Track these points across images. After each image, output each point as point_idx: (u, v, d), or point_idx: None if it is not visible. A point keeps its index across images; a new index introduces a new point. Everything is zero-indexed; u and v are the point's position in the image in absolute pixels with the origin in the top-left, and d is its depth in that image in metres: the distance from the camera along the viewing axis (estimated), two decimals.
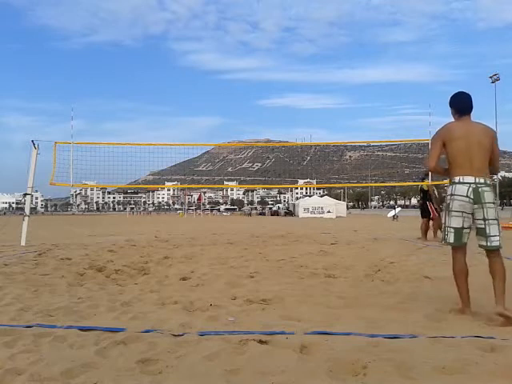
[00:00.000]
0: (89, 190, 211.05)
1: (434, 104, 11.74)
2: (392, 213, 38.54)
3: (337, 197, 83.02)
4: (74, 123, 10.84)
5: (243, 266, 6.20)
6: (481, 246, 3.27)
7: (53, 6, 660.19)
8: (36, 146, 9.84)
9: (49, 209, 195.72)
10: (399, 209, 44.15)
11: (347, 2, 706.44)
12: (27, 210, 10.00)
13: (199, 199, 76.48)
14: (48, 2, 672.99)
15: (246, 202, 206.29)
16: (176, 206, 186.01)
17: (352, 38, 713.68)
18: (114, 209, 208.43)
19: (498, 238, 3.19)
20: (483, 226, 3.20)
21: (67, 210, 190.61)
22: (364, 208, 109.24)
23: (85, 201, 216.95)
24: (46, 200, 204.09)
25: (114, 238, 12.96)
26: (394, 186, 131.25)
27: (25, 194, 10.06)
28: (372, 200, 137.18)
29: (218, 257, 7.33)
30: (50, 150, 10.15)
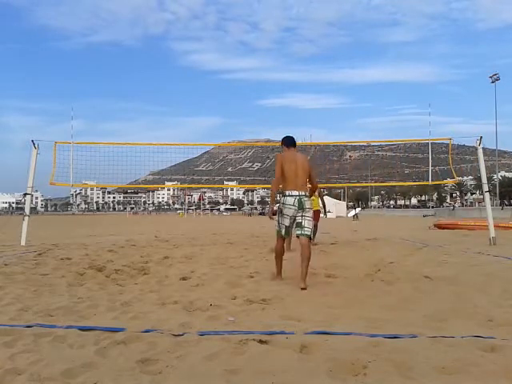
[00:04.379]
0: (89, 190, 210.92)
1: (433, 104, 11.74)
2: (352, 213, 39.27)
3: (337, 197, 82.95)
4: (74, 123, 10.81)
5: (243, 265, 6.20)
6: (297, 234, 4.56)
7: (53, 6, 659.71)
8: (36, 145, 9.83)
9: (49, 209, 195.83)
10: (359, 209, 44.91)
11: (347, 2, 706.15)
12: (27, 210, 10.00)
13: (200, 199, 77.14)
14: (48, 2, 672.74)
15: (246, 201, 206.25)
16: (176, 206, 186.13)
17: (352, 38, 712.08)
18: (114, 209, 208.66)
19: (309, 230, 4.54)
20: (301, 221, 4.53)
21: (67, 210, 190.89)
22: (364, 208, 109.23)
23: (85, 201, 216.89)
24: (46, 200, 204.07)
25: (113, 237, 12.97)
26: (394, 186, 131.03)
27: (25, 194, 10.05)
28: (372, 200, 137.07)
29: (217, 257, 7.34)
30: (49, 150, 10.15)
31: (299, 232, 4.54)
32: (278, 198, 4.77)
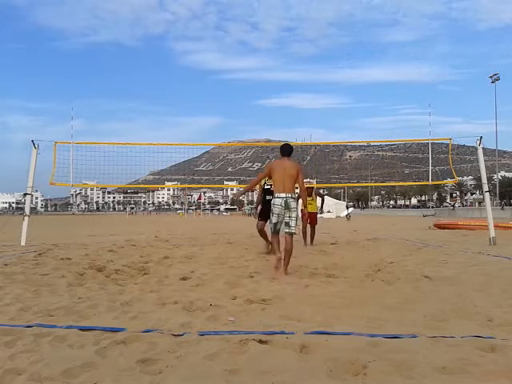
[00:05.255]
0: (89, 190, 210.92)
1: (433, 104, 11.66)
2: (344, 213, 39.22)
3: (337, 197, 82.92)
4: (74, 123, 10.81)
5: (243, 265, 6.20)
6: (285, 231, 5.37)
7: (53, 6, 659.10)
8: (36, 145, 9.83)
9: (49, 209, 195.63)
10: (351, 209, 44.78)
11: (347, 2, 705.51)
12: (27, 210, 10.00)
13: (199, 198, 77.67)
14: (48, 2, 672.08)
15: (246, 201, 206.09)
16: (176, 206, 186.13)
17: (352, 38, 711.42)
18: (114, 208, 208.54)
19: (294, 228, 5.37)
20: (288, 221, 5.33)
21: (67, 210, 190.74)
22: (364, 208, 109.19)
23: (85, 201, 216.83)
24: (46, 200, 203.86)
25: (113, 237, 12.97)
26: (394, 186, 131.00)
27: (25, 194, 10.05)
28: (372, 200, 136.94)
29: (218, 257, 7.34)
30: (50, 150, 10.14)
31: (287, 230, 5.42)
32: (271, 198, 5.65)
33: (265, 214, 7.49)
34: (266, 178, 6.50)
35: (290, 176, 5.39)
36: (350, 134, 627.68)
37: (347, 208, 42.03)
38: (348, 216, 37.41)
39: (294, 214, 5.38)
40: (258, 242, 10.38)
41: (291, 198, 5.37)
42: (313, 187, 10.41)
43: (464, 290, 4.24)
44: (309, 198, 9.54)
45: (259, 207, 8.25)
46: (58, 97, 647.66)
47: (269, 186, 7.45)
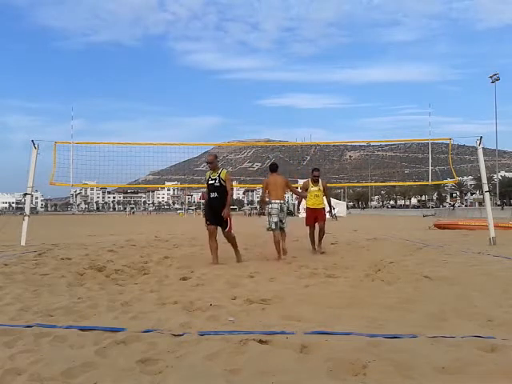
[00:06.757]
0: (89, 190, 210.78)
1: (434, 104, 11.54)
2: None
3: (337, 197, 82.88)
4: (74, 123, 10.85)
5: (243, 266, 6.21)
6: (281, 227, 7.23)
7: (54, 6, 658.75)
8: (36, 145, 9.83)
9: (49, 209, 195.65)
10: (338, 209, 44.42)
11: (348, 2, 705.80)
12: (27, 210, 10.00)
13: (202, 198, 78.34)
14: (49, 2, 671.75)
15: (245, 201, 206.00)
16: (176, 206, 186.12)
17: (352, 38, 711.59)
18: (114, 208, 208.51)
19: (286, 224, 7.37)
20: (283, 220, 7.26)
21: (67, 210, 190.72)
22: (364, 208, 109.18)
23: (85, 201, 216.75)
24: (46, 200, 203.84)
25: (113, 237, 12.96)
26: (394, 186, 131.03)
27: (25, 194, 10.05)
28: (372, 200, 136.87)
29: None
30: (50, 150, 10.15)
31: (281, 226, 7.27)
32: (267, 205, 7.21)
33: (211, 215, 6.70)
34: (211, 172, 6.74)
35: (281, 187, 7.26)
36: (350, 134, 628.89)
37: (333, 208, 41.04)
38: (334, 216, 36.79)
39: (283, 215, 7.30)
40: (259, 242, 10.39)
41: (284, 203, 7.30)
42: (319, 170, 8.70)
43: (464, 289, 4.24)
44: (315, 188, 8.39)
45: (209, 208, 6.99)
46: (58, 97, 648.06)
47: (213, 182, 6.57)
